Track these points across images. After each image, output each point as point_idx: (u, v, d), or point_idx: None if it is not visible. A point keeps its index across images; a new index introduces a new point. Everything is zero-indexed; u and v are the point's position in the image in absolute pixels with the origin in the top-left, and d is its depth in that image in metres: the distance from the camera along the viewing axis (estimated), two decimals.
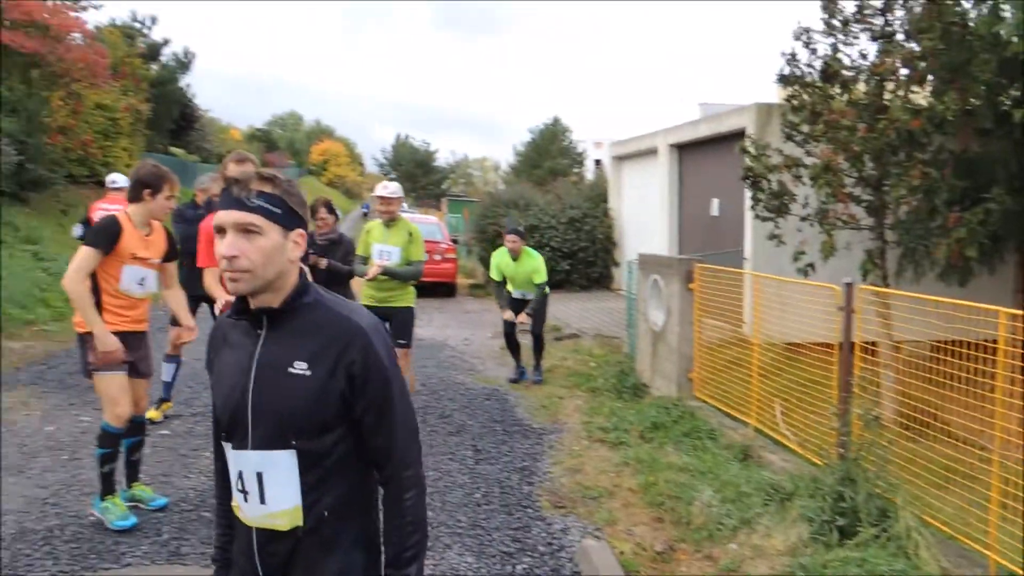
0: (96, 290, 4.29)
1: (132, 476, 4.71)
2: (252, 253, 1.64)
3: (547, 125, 52.88)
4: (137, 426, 4.64)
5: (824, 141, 8.24)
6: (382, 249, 6.30)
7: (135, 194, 4.35)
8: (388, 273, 6.21)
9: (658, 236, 15.18)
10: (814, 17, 23.43)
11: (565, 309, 14.13)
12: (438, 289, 16.83)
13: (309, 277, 1.79)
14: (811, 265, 8.48)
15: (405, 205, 36.63)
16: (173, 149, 31.26)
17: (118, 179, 8.78)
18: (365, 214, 43.26)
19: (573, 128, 54.27)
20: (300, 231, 1.73)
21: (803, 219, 8.72)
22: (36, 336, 9.86)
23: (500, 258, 8.64)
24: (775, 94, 19.91)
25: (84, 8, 17.90)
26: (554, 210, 18.08)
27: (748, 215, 11.24)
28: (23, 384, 7.70)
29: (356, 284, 6.74)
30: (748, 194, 10.81)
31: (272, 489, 1.69)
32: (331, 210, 6.55)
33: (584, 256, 17.82)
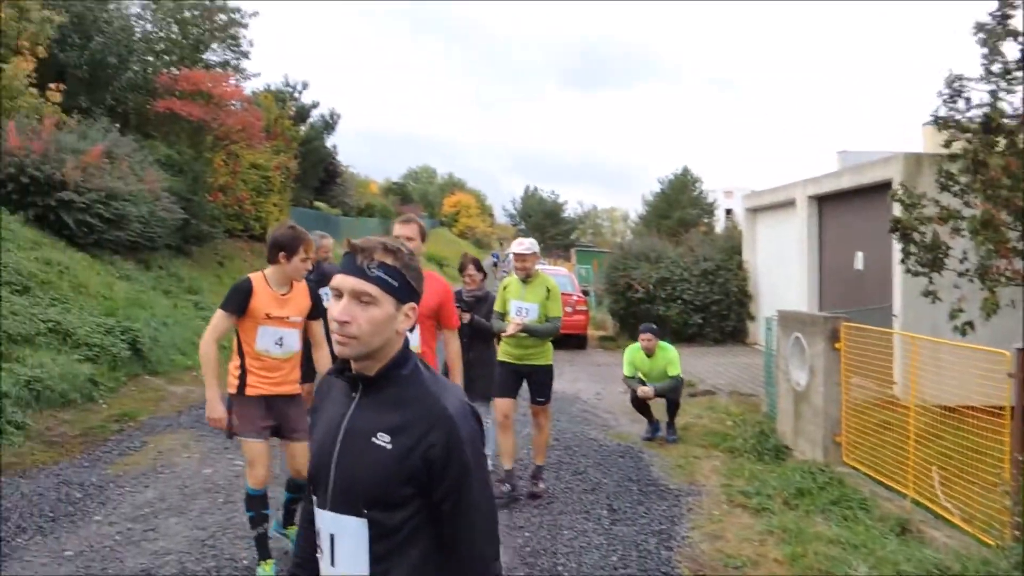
0: (240, 352, 4.38)
1: (287, 520, 4.90)
2: (363, 321, 1.67)
3: (676, 175, 52.42)
4: (298, 485, 4.71)
5: (982, 197, 7.74)
6: (520, 306, 6.12)
7: (272, 256, 4.41)
8: (526, 330, 6.03)
9: (795, 290, 14.62)
10: (959, 60, 22.16)
11: (699, 364, 13.78)
12: (569, 341, 16.81)
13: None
14: (970, 324, 7.91)
15: (543, 261, 36.46)
16: (317, 203, 33.15)
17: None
18: (495, 263, 43.58)
19: (703, 177, 53.44)
20: (412, 304, 1.75)
21: (960, 275, 8.18)
22: (195, 381, 10.57)
23: (634, 355, 8.64)
24: (919, 142, 18.86)
25: (246, 78, 19.54)
26: (686, 262, 17.81)
27: (896, 269, 10.65)
28: (184, 427, 8.26)
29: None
30: (896, 247, 10.26)
31: (341, 553, 1.70)
32: (479, 268, 6.67)
33: (717, 309, 17.39)
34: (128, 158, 13.67)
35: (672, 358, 8.50)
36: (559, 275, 18.84)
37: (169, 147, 16.22)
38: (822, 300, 14.04)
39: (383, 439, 1.67)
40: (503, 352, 6.27)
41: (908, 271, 8.84)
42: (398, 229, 4.48)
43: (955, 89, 8.32)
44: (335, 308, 1.69)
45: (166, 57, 18.43)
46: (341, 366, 1.77)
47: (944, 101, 8.39)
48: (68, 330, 9.40)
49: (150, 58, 18.18)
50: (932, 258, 8.48)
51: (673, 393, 8.48)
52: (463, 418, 1.70)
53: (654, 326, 8.71)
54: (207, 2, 18.73)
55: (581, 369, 14.18)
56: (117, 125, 15.32)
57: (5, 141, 11.65)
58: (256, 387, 4.37)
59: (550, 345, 6.32)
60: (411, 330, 3.85)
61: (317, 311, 4.63)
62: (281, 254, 4.36)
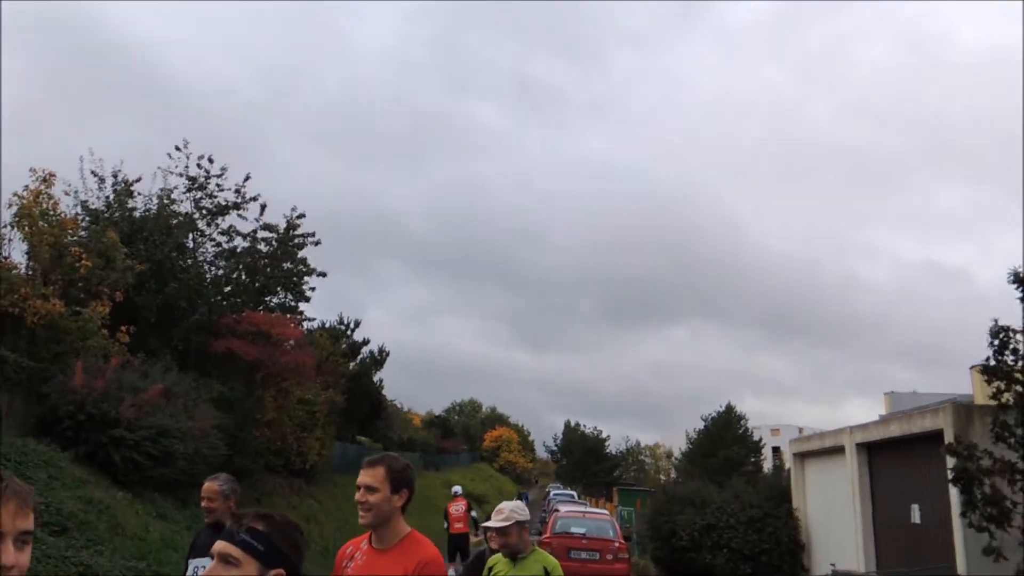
0: None
1: None
2: None
3: (720, 413, 51.79)
4: None
5: None
6: None
7: None
8: None
9: (850, 541, 13.88)
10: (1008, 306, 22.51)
11: None
12: None
13: None
14: None
15: (584, 502, 33.81)
16: (360, 437, 33.31)
17: (459, 489, 15.21)
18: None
19: (748, 414, 52.57)
20: (280, 571, 1.86)
21: None
22: None
23: None
24: (967, 381, 18.90)
25: (304, 320, 20.64)
26: (733, 509, 17.17)
27: (957, 524, 10.18)
28: None
29: None
30: (955, 500, 9.90)
31: None
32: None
33: (768, 560, 16.45)
34: (184, 396, 14.17)
35: None
36: (601, 519, 18.22)
37: (223, 385, 16.82)
38: (879, 554, 13.26)
39: None
40: None
41: (971, 525, 8.47)
42: (360, 476, 3.21)
43: (1002, 340, 8.45)
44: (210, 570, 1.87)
45: (234, 299, 19.67)
46: None
47: (994, 353, 8.50)
48: (98, 574, 9.27)
49: (216, 298, 19.40)
50: (996, 513, 8.16)
51: None
52: None
53: None
54: (278, 252, 20.29)
55: None
56: (176, 364, 16.05)
57: (71, 379, 12.26)
58: None
59: None
60: None
61: None
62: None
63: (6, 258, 13.96)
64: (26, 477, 10.23)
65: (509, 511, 4.69)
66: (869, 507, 13.68)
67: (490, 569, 4.86)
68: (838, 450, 14.86)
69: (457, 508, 16.35)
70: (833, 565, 11.28)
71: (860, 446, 13.96)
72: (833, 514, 15.16)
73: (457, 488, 18.29)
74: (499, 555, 4.83)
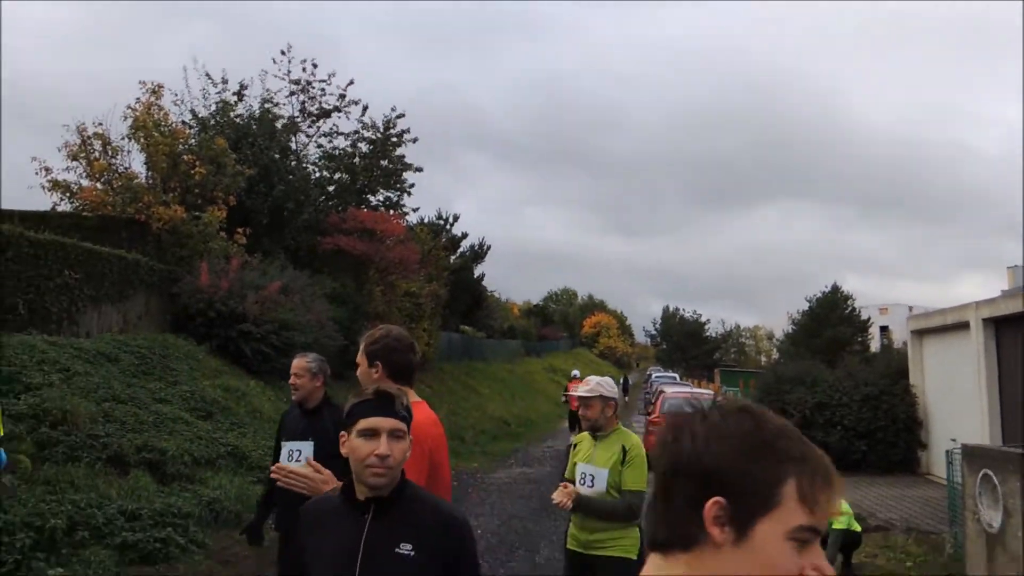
0: None
1: None
2: (398, 453, 2.00)
3: (825, 293, 50.52)
4: None
5: None
6: (584, 471, 4.46)
7: None
8: (582, 507, 4.30)
9: (972, 417, 13.49)
10: None
11: (865, 496, 12.82)
12: None
13: None
14: None
15: (687, 383, 34.04)
16: (463, 328, 34.29)
17: (577, 373, 13.15)
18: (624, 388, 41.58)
19: (855, 294, 51.14)
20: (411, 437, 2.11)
21: None
22: None
23: None
24: None
25: (405, 213, 21.02)
26: (846, 387, 16.90)
27: None
28: None
29: None
30: None
31: None
32: None
33: (883, 436, 16.24)
34: (300, 292, 14.83)
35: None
36: (707, 399, 18.35)
37: (335, 281, 17.48)
38: (1006, 430, 12.87)
39: (405, 548, 1.95)
40: (570, 535, 4.53)
41: None
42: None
43: None
44: (377, 445, 1.98)
45: (336, 200, 20.18)
46: (347, 494, 2.05)
47: None
48: (244, 453, 10.05)
49: (321, 199, 19.97)
50: None
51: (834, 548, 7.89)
52: (465, 519, 2.11)
53: None
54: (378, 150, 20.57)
55: None
56: (290, 263, 16.74)
57: (198, 280, 13.00)
58: None
59: (635, 531, 4.31)
60: None
61: None
62: None
63: (127, 168, 14.65)
64: (171, 368, 11.06)
65: (596, 383, 4.56)
66: (996, 383, 13.19)
67: (575, 447, 4.73)
68: (962, 326, 14.27)
69: (576, 388, 17.94)
70: (954, 440, 11.04)
71: (987, 321, 13.34)
72: (953, 391, 14.72)
73: (576, 372, 21.26)
74: (585, 434, 4.66)
